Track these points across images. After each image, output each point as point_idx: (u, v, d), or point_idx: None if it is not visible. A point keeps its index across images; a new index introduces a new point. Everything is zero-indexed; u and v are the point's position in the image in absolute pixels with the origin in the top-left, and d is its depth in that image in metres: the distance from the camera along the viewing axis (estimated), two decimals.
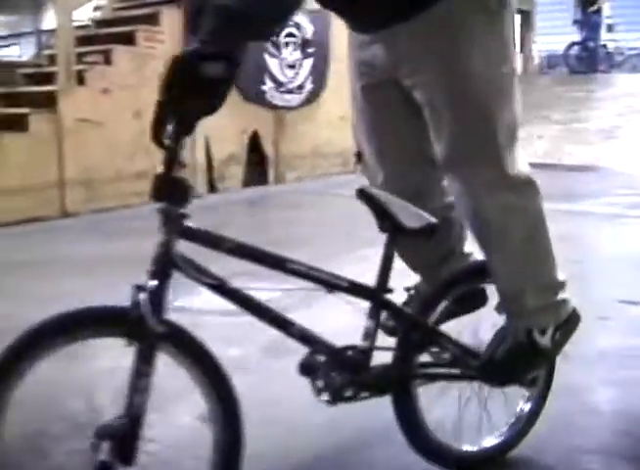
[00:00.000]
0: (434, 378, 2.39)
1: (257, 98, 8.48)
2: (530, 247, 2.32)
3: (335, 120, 9.18)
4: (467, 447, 2.46)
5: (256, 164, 8.51)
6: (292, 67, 8.92)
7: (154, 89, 6.81)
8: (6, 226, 6.36)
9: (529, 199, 2.28)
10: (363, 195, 2.21)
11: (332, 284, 2.15)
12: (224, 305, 4.10)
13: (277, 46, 8.72)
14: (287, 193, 8.29)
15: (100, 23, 8.63)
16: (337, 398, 2.15)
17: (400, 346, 2.27)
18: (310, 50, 9.10)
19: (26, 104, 7.10)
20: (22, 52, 17.78)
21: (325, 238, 6.00)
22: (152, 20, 7.78)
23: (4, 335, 1.93)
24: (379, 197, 2.20)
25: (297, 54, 8.98)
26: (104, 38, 7.82)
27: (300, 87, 9.01)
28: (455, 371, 2.39)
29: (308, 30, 9.09)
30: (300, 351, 2.18)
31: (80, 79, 7.03)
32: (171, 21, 7.73)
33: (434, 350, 2.36)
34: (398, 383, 2.28)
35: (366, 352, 2.18)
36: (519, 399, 2.56)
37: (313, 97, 9.15)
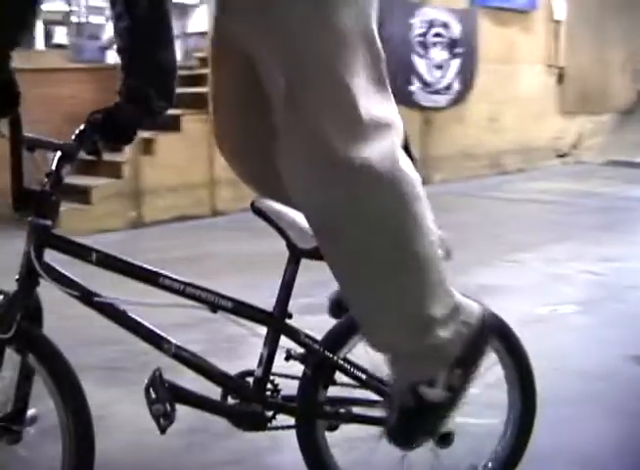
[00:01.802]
0: (341, 419, 2.05)
1: (405, 99, 8.40)
2: (384, 257, 1.72)
3: (483, 121, 9.04)
4: None
5: None
6: (439, 67, 8.81)
7: None
8: (162, 223, 6.52)
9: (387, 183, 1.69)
10: (254, 209, 2.02)
11: (216, 305, 1.97)
12: None
13: (425, 46, 8.63)
14: (433, 195, 7.99)
15: None
16: (240, 425, 2.00)
17: (303, 377, 2.02)
18: (458, 50, 8.97)
19: (179, 105, 7.24)
20: None
21: (475, 242, 5.87)
22: None
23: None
24: (270, 213, 1.99)
25: (445, 54, 8.87)
26: None
27: (448, 88, 8.89)
28: (371, 415, 2.05)
29: (456, 30, 8.96)
30: None
31: None
32: None
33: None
34: (302, 418, 2.04)
35: (260, 381, 1.99)
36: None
37: (461, 98, 9.01)
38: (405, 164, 1.75)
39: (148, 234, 6.38)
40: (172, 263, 5.10)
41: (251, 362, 3.25)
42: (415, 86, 8.54)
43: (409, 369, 1.86)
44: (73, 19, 13.33)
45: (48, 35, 22.73)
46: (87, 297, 1.91)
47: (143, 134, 6.62)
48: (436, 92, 8.78)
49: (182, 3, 24.50)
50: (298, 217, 1.89)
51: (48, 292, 1.90)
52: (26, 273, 1.85)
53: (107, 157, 7.02)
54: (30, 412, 1.94)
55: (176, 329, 3.68)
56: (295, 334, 2.02)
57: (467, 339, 1.85)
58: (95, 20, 17.57)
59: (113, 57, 14.09)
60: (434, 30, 8.74)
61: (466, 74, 9.01)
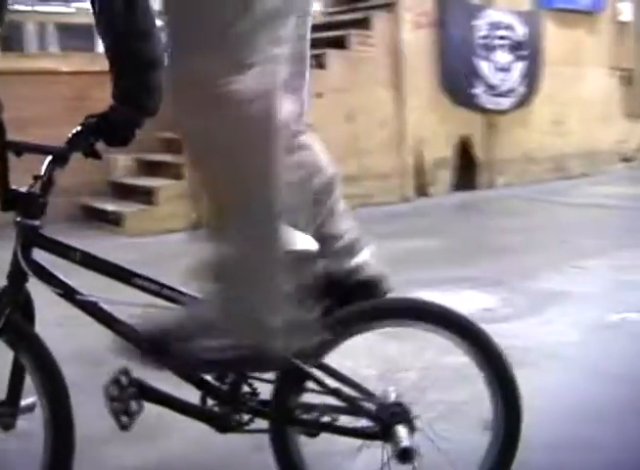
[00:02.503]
0: (315, 427, 2.00)
1: (468, 101, 8.35)
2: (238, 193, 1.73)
3: (547, 125, 8.94)
4: None
5: (465, 169, 8.37)
6: (503, 70, 8.72)
7: (365, 93, 6.89)
8: None
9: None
10: None
11: None
12: None
13: (489, 49, 8.56)
14: (497, 199, 8.10)
15: (312, 27, 8.72)
16: (214, 427, 1.99)
17: (275, 381, 1.98)
18: (522, 52, 8.87)
19: None
20: None
21: (540, 247, 5.81)
22: (363, 24, 7.80)
23: None
24: None
25: (509, 56, 8.78)
26: (316, 43, 7.89)
27: (512, 90, 8.80)
28: (351, 426, 1.99)
29: (520, 32, 8.87)
30: None
31: None
32: (382, 25, 7.74)
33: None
34: (274, 423, 2.00)
35: (234, 384, 1.96)
36: None
37: (525, 100, 8.91)
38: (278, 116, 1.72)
39: None
40: None
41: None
42: (478, 89, 8.46)
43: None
44: None
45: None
46: (70, 294, 1.96)
47: None
48: (500, 95, 8.69)
49: None
50: None
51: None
52: (14, 271, 1.94)
53: (172, 158, 7.11)
54: (29, 401, 2.01)
55: None
56: None
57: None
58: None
59: None
60: (498, 33, 8.66)
61: (530, 77, 8.91)
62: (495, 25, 8.62)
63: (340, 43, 7.63)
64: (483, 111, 8.53)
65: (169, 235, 6.28)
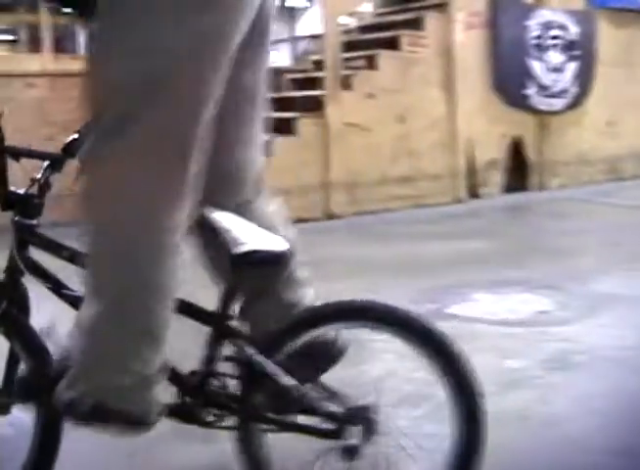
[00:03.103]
0: (277, 426, 2.04)
1: (520, 102, 8.28)
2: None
3: (601, 126, 8.83)
4: None
5: (517, 170, 8.30)
6: (556, 70, 8.64)
7: (417, 94, 6.85)
8: None
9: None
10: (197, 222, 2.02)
11: None
12: (498, 315, 4.04)
13: (541, 49, 8.48)
14: (549, 200, 8.03)
15: (363, 28, 8.75)
16: (192, 421, 2.03)
17: (238, 378, 2.02)
18: (576, 52, 8.77)
19: (295, 108, 7.32)
20: (277, 58, 18.43)
21: (593, 249, 5.75)
22: (415, 24, 7.78)
23: None
24: (212, 222, 1.99)
25: (562, 56, 8.69)
26: (367, 43, 7.92)
27: (564, 91, 8.71)
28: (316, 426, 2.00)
29: (573, 32, 8.77)
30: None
31: (346, 84, 7.14)
32: (435, 25, 7.71)
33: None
34: (237, 419, 2.03)
35: (201, 379, 2.00)
36: None
37: (578, 101, 8.80)
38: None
39: None
40: None
41: (372, 368, 3.26)
42: (531, 90, 8.39)
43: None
44: None
45: None
46: (58, 289, 2.08)
47: None
48: (553, 95, 8.60)
49: (291, 7, 24.78)
50: (235, 225, 1.96)
51: None
52: (10, 267, 2.07)
53: None
54: None
55: None
56: (233, 335, 2.01)
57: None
58: None
59: None
60: (550, 33, 8.57)
61: (583, 77, 8.81)
62: (548, 25, 8.54)
63: (391, 44, 7.62)
64: (536, 112, 8.45)
65: None
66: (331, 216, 6.95)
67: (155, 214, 1.83)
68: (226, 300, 1.99)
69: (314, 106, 7.24)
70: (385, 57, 7.44)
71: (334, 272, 5.04)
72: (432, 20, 7.74)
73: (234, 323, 2.02)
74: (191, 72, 1.80)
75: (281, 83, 8.05)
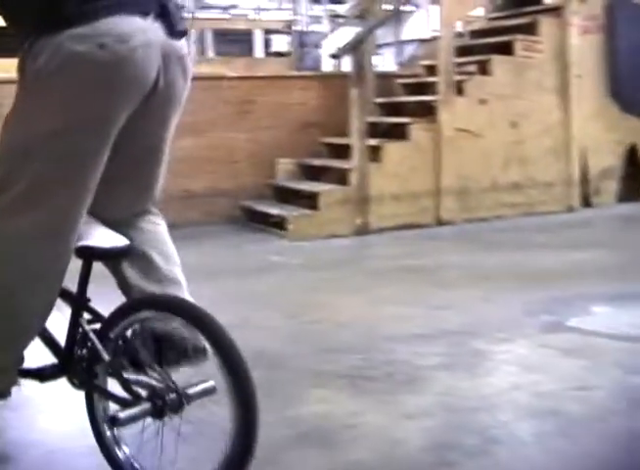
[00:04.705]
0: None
1: (637, 109, 8.04)
2: None
3: None
4: None
5: (632, 179, 8.06)
6: None
7: (530, 99, 6.69)
8: (386, 231, 6.55)
9: None
10: None
11: None
12: (620, 329, 3.91)
13: None
14: None
15: (476, 33, 8.64)
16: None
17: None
18: None
19: (405, 113, 7.28)
20: (383, 62, 18.38)
21: None
22: (530, 29, 7.64)
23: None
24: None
25: None
26: (479, 48, 7.83)
27: None
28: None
29: None
30: None
31: (458, 89, 7.06)
32: (550, 30, 7.55)
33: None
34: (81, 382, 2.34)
35: (66, 351, 2.34)
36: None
37: None
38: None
39: (373, 241, 6.42)
40: (404, 272, 5.18)
41: (497, 380, 3.21)
42: None
43: None
44: (296, 27, 13.67)
45: (266, 43, 23.51)
46: None
47: (370, 142, 6.69)
48: None
49: (397, 10, 24.57)
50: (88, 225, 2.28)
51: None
52: None
53: (334, 163, 7.17)
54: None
55: (415, 340, 3.71)
56: (85, 310, 2.33)
57: None
58: (316, 28, 17.96)
59: (329, 65, 14.39)
60: None
61: None
62: None
63: (504, 49, 7.50)
64: None
65: (332, 240, 6.33)
66: (441, 223, 6.88)
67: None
68: (81, 283, 2.29)
69: (425, 111, 7.19)
70: (498, 62, 7.32)
71: (446, 280, 4.99)
72: (546, 24, 7.58)
73: (86, 302, 2.33)
74: (68, 148, 2.11)
75: (391, 88, 8.02)
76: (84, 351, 2.30)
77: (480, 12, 9.14)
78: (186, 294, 2.41)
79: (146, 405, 2.16)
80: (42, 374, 2.41)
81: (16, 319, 2.21)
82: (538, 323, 3.99)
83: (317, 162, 7.31)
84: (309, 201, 6.72)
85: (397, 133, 6.96)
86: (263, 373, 3.33)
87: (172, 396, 2.15)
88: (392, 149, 6.79)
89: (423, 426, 2.77)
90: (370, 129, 6.72)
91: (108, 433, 2.32)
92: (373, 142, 6.73)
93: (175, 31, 2.18)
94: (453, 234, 6.61)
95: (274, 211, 6.81)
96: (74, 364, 2.32)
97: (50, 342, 2.40)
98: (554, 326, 3.96)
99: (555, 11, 7.78)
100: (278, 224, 6.65)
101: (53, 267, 2.20)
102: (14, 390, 2.38)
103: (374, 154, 6.74)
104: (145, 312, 2.26)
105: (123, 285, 2.42)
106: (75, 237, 2.19)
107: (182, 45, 2.24)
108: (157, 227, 2.48)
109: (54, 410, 2.54)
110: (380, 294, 4.67)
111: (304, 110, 7.60)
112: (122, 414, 2.17)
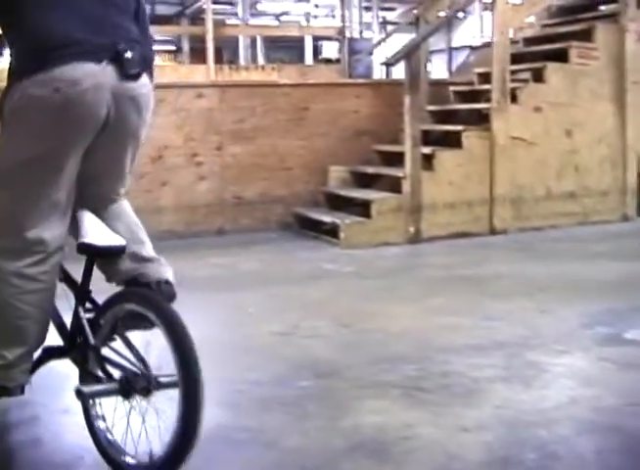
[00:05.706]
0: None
1: None
2: None
3: None
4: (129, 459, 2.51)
5: None
6: None
7: (585, 107, 6.59)
8: (439, 240, 6.51)
9: None
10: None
11: None
12: None
13: None
14: None
15: (529, 40, 8.56)
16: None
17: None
18: None
19: (459, 121, 7.23)
20: (433, 69, 18.32)
21: None
22: (585, 36, 7.54)
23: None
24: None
25: None
26: (533, 55, 7.75)
27: None
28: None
29: None
30: None
31: (512, 97, 7.00)
32: (605, 36, 7.45)
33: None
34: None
35: (71, 332, 2.64)
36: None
37: None
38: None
39: (426, 249, 6.38)
40: (457, 281, 5.14)
41: (555, 394, 3.16)
42: None
43: None
44: (347, 34, 13.67)
45: (315, 50, 23.58)
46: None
47: (423, 150, 6.66)
48: None
49: (451, 17, 24.55)
50: (88, 222, 2.57)
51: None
52: None
53: (387, 171, 7.15)
54: None
55: (470, 351, 3.67)
56: (86, 300, 2.61)
57: None
58: (367, 35, 17.99)
59: (380, 72, 14.37)
60: None
61: None
62: None
63: (559, 56, 7.41)
64: None
65: (385, 248, 6.31)
66: (494, 232, 6.82)
67: None
68: (85, 274, 2.58)
69: (478, 119, 7.14)
70: (553, 69, 7.24)
71: (500, 290, 4.94)
72: (602, 30, 7.48)
73: (88, 293, 2.61)
74: (26, 178, 2.45)
75: (444, 96, 7.98)
76: (81, 336, 2.58)
77: (531, 19, 9.06)
78: (150, 251, 2.65)
79: (114, 385, 2.43)
80: (51, 355, 2.72)
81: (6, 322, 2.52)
82: (596, 335, 3.93)
83: (370, 169, 7.29)
84: (362, 208, 6.71)
85: (450, 141, 6.92)
86: (317, 382, 3.35)
87: (142, 380, 2.37)
88: (445, 157, 6.75)
89: (480, 440, 2.74)
90: (423, 137, 6.69)
91: (91, 410, 2.58)
92: (426, 150, 6.70)
93: (128, 74, 2.43)
94: (507, 243, 6.54)
95: (326, 218, 6.81)
96: (76, 347, 2.61)
97: (60, 326, 2.70)
98: (612, 338, 3.89)
99: (611, 17, 7.68)
100: (330, 232, 6.64)
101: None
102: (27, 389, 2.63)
103: (427, 162, 6.71)
104: (130, 304, 2.48)
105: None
106: (31, 259, 2.49)
107: (137, 85, 2.48)
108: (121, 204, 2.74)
109: (111, 417, 2.55)
110: (433, 303, 4.64)
111: (357, 117, 7.59)
112: (86, 388, 2.46)
